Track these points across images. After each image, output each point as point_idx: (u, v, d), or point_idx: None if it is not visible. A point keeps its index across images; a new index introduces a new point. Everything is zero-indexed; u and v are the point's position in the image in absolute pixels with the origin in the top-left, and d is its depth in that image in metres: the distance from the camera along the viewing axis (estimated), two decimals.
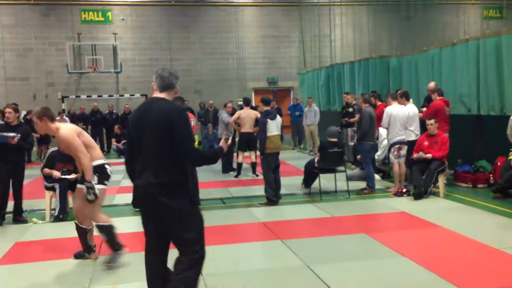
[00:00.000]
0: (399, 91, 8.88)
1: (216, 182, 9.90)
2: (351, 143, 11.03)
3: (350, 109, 11.34)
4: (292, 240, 5.72)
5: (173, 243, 3.41)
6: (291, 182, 8.98)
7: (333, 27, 20.71)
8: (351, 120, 10.92)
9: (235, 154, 10.89)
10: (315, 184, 8.44)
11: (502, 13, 22.37)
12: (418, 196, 7.71)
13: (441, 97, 8.92)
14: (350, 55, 19.11)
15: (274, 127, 7.70)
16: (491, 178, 8.44)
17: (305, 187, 8.60)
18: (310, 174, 8.51)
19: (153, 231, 3.43)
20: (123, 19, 19.84)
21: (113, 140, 15.34)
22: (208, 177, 10.01)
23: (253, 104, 16.52)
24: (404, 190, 8.10)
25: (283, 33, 21.25)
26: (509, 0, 21.78)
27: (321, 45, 20.56)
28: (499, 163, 8.18)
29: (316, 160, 8.50)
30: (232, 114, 10.87)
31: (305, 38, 20.55)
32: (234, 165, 10.81)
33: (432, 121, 8.06)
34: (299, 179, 8.83)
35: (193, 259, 3.35)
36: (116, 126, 15.34)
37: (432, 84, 9.44)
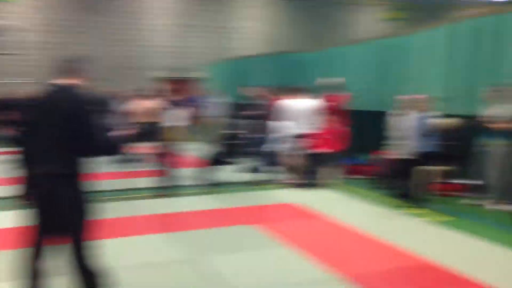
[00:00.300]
0: (300, 85, 9.19)
1: (112, 173, 9.68)
2: (252, 135, 11.25)
3: (254, 102, 11.54)
4: (184, 232, 5.77)
5: (63, 236, 3.30)
6: (190, 174, 8.99)
7: (246, 19, 20.93)
8: (254, 112, 11.11)
9: (134, 145, 10.68)
10: (215, 175, 8.54)
11: (402, 14, 23.78)
12: (312, 187, 8.09)
13: (341, 93, 9.34)
14: (259, 48, 19.41)
15: (178, 117, 7.69)
16: (379, 170, 9.02)
17: (204, 178, 8.66)
18: (211, 165, 8.59)
19: (41, 224, 3.31)
20: None
21: (9, 127, 14.43)
22: (105, 168, 9.74)
23: (159, 93, 16.24)
24: (300, 182, 8.44)
25: (195, 22, 21.13)
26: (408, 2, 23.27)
27: (232, 36, 20.70)
28: (380, 156, 8.78)
29: (217, 151, 8.59)
30: (136, 103, 10.67)
31: (217, 29, 20.56)
32: (133, 156, 10.62)
33: (331, 116, 8.47)
34: (199, 170, 8.88)
35: (86, 254, 3.30)
36: (13, 112, 14.42)
37: (333, 80, 9.85)
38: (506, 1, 19.41)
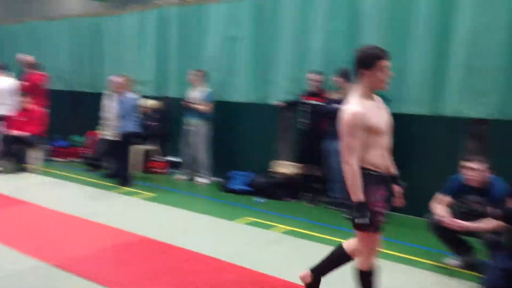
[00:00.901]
0: None
1: None
2: None
3: None
4: None
5: None
6: None
7: None
8: None
9: None
10: None
11: None
12: (16, 172, 7.52)
13: (39, 72, 8.72)
14: None
15: None
16: (85, 152, 8.89)
17: None
18: None
19: None
20: None
21: None
22: None
23: None
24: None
25: None
26: None
27: None
28: (92, 137, 8.70)
29: None
30: None
31: None
32: None
33: (25, 97, 7.86)
34: None
35: None
36: None
37: (29, 58, 9.09)
38: None
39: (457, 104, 5.38)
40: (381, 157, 2.87)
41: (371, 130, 2.79)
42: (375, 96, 2.96)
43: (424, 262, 4.33)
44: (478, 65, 5.20)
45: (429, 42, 5.51)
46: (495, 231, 3.91)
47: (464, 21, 5.27)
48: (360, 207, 2.78)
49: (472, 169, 4.04)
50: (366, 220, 2.76)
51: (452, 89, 5.40)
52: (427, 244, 4.41)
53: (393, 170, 3.12)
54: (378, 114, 2.86)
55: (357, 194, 2.78)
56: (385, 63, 2.80)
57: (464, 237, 4.16)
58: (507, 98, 5.12)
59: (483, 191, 4.05)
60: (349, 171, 2.78)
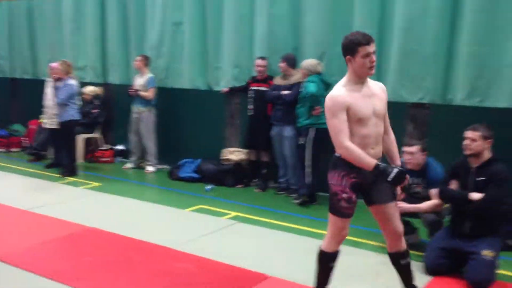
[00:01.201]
0: None
1: None
2: None
3: None
4: None
5: None
6: None
7: None
8: None
9: None
10: None
11: None
12: None
13: None
14: None
15: None
16: (25, 141, 8.55)
17: None
18: None
19: None
20: None
21: None
22: None
23: None
24: None
25: None
26: None
27: None
28: (32, 127, 8.37)
29: None
30: None
31: None
32: None
33: None
34: None
35: None
36: None
37: None
38: None
39: (398, 89, 5.50)
40: (360, 146, 2.80)
41: (352, 117, 2.77)
42: (371, 82, 2.94)
43: (368, 244, 4.48)
44: (415, 51, 5.32)
45: (370, 28, 5.55)
46: (434, 212, 4.12)
47: (399, 7, 5.37)
48: (379, 169, 2.76)
49: (408, 153, 4.22)
50: (398, 171, 2.75)
51: (393, 74, 5.52)
52: (371, 225, 4.55)
53: (396, 160, 3.05)
54: (362, 102, 2.81)
55: (367, 163, 2.75)
56: (367, 49, 2.77)
57: (406, 218, 4.33)
58: (445, 83, 5.29)
59: (421, 173, 4.24)
60: (346, 153, 2.77)
